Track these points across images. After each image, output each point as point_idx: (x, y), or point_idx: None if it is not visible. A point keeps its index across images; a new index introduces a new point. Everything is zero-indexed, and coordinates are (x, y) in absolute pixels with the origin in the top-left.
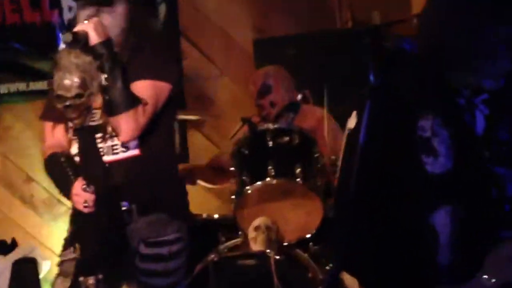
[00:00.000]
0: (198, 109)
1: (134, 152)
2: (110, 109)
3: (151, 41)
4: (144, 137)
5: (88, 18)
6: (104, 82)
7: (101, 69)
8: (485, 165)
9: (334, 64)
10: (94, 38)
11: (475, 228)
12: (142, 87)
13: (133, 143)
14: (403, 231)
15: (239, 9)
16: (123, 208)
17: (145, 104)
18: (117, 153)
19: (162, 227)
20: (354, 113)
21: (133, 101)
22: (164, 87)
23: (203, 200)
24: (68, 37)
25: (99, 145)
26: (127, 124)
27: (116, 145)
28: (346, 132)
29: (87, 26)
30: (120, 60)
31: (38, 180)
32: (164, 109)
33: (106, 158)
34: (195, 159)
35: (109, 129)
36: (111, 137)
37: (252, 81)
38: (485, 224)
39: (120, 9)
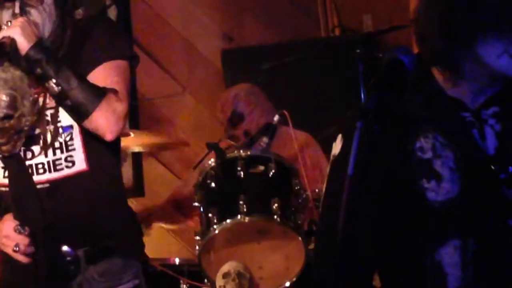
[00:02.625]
0: (155, 133)
1: (81, 167)
2: (80, 114)
3: (92, 22)
4: (91, 148)
5: (12, 19)
6: (57, 89)
7: (45, 77)
8: (498, 189)
9: (318, 79)
10: (24, 45)
11: (492, 265)
12: (104, 73)
13: (80, 157)
14: (402, 274)
15: (205, 13)
16: (67, 259)
17: (114, 91)
18: (61, 169)
19: (117, 274)
20: (339, 137)
21: (100, 92)
22: (125, 65)
23: (161, 241)
24: None
25: (39, 160)
26: (106, 119)
27: (59, 159)
28: (331, 159)
29: (12, 31)
30: (61, 57)
31: None
32: None
33: (48, 176)
34: (152, 193)
35: (50, 138)
36: (54, 149)
37: (220, 108)
38: (503, 260)
39: None
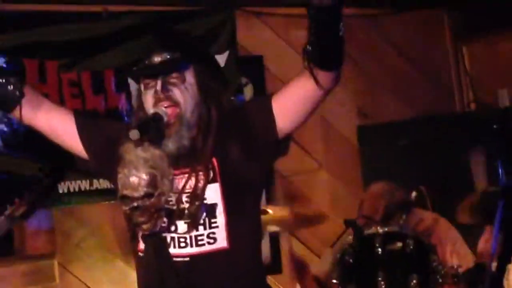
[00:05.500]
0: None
1: (222, 244)
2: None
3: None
4: (232, 226)
5: (154, 96)
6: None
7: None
8: None
9: (455, 156)
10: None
11: None
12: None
13: (222, 234)
14: None
15: (340, 89)
16: None
17: None
18: (202, 245)
19: None
20: None
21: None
22: None
23: None
24: (134, 134)
25: (183, 235)
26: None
27: (201, 235)
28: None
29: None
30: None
31: None
32: (253, 190)
33: (189, 250)
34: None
35: (197, 215)
36: (197, 225)
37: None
38: None
39: (189, 76)
